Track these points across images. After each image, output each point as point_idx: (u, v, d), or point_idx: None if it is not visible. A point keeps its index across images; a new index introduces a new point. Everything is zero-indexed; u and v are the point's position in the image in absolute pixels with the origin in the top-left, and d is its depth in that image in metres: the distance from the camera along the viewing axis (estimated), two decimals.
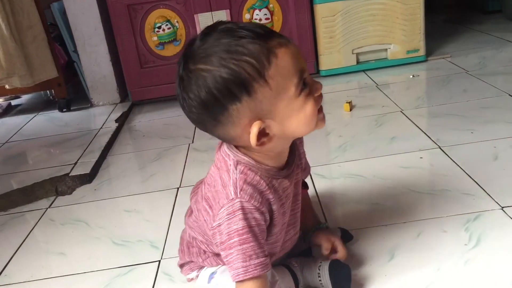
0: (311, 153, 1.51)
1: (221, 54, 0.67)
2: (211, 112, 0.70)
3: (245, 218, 0.72)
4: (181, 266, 0.96)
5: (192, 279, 0.93)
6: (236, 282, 0.75)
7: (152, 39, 2.17)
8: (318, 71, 2.28)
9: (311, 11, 2.18)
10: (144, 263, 1.08)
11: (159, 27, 2.16)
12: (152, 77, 2.22)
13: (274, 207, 0.77)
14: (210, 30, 0.70)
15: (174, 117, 2.08)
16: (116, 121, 2.10)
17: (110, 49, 2.28)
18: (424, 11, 2.20)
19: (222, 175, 0.76)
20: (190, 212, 0.91)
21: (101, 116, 2.23)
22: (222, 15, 2.14)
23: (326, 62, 2.24)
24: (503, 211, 1.05)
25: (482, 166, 1.26)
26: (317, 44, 2.23)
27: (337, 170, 1.38)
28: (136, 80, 2.23)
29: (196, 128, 1.88)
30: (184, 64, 0.71)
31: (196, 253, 0.90)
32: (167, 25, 2.15)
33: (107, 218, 1.31)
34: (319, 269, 0.89)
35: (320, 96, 0.74)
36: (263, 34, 0.69)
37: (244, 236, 0.72)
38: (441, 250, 0.96)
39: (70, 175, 1.59)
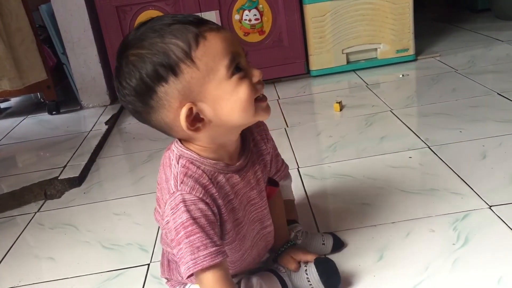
0: (301, 153, 1.53)
1: (151, 39, 0.68)
2: (142, 97, 0.70)
3: (188, 210, 0.71)
4: (166, 278, 0.94)
5: None
6: (195, 276, 0.73)
7: None
8: (308, 71, 2.29)
9: (301, 11, 2.19)
10: (133, 267, 1.07)
11: None
12: None
13: (219, 202, 0.75)
14: (144, 21, 0.72)
15: None
16: (106, 123, 2.09)
17: (100, 51, 2.27)
18: (415, 10, 2.21)
19: (165, 171, 0.76)
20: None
21: (91, 118, 2.22)
22: (212, 16, 2.14)
23: (316, 62, 2.25)
24: (491, 210, 1.06)
25: (470, 165, 1.27)
26: (307, 44, 2.23)
27: (327, 170, 1.38)
28: None
29: None
30: (118, 53, 0.72)
31: (175, 269, 0.88)
32: None
33: (96, 221, 1.30)
34: (306, 273, 0.88)
35: (260, 84, 0.73)
36: (194, 21, 0.70)
37: (190, 228, 0.71)
38: (430, 250, 0.96)
39: (59, 178, 1.58)
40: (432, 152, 1.37)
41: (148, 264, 1.07)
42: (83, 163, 1.68)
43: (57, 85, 2.37)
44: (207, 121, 0.71)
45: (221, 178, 0.77)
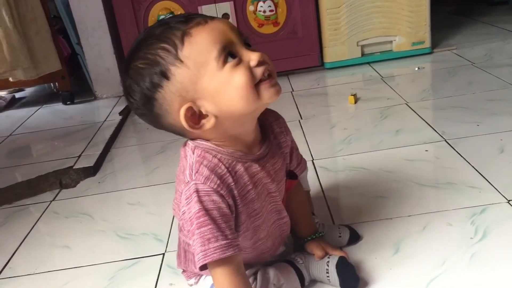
0: (316, 145, 1.52)
1: (143, 49, 0.69)
2: (147, 107, 0.71)
3: (201, 201, 0.70)
4: (182, 269, 0.94)
5: (191, 285, 0.91)
6: (209, 268, 0.73)
7: None
8: (322, 64, 2.27)
9: (316, 2, 2.17)
10: (148, 256, 1.08)
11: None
12: None
13: (235, 192, 0.74)
14: (143, 30, 0.73)
15: None
16: (120, 114, 2.09)
17: (114, 42, 2.28)
18: (433, 3, 2.18)
19: (182, 162, 0.76)
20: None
21: (105, 109, 2.23)
22: (226, 8, 2.13)
23: (331, 55, 2.23)
24: (510, 204, 1.05)
25: (488, 159, 1.25)
26: (322, 36, 2.22)
27: (342, 163, 1.37)
28: None
29: None
30: (123, 71, 0.73)
31: (191, 260, 0.86)
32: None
33: (111, 211, 1.31)
34: (327, 265, 0.88)
35: (262, 65, 0.70)
36: (183, 20, 0.69)
37: (201, 219, 0.70)
38: (447, 244, 0.95)
39: (74, 168, 1.59)
40: (448, 146, 1.36)
41: (163, 254, 1.08)
42: (98, 153, 1.69)
43: (72, 76, 2.38)
44: (212, 116, 0.71)
45: (239, 167, 0.75)
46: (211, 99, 0.69)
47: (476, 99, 1.67)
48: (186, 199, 0.71)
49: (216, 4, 2.12)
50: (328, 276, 0.87)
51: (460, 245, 0.94)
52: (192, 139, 0.76)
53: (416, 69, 2.09)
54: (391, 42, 2.22)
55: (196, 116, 0.70)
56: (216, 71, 0.68)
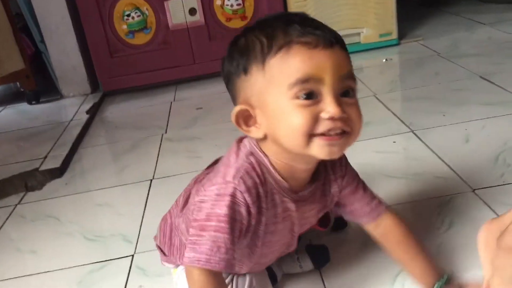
0: None
1: (259, 28, 0.67)
2: (231, 65, 0.69)
3: (231, 207, 0.66)
4: (159, 248, 0.89)
5: (165, 266, 0.88)
6: (188, 266, 0.68)
7: (122, 28, 2.12)
8: None
9: None
10: (117, 258, 1.06)
11: (128, 15, 2.11)
12: (123, 66, 2.18)
13: (263, 218, 0.70)
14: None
15: (147, 106, 2.05)
16: (87, 112, 2.05)
17: (79, 39, 2.22)
18: None
19: (230, 156, 0.71)
20: (184, 200, 0.83)
21: (71, 107, 2.18)
22: (193, 2, 2.10)
23: None
24: (475, 193, 1.06)
25: (454, 149, 1.27)
26: None
27: None
28: (107, 69, 2.18)
29: (170, 117, 1.89)
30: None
31: (176, 246, 0.83)
32: (136, 12, 2.11)
33: (79, 213, 1.28)
34: (298, 261, 0.88)
35: (334, 122, 0.63)
36: (299, 27, 0.64)
37: (222, 225, 0.65)
38: (415, 234, 0.96)
39: (40, 169, 1.55)
40: (416, 137, 1.37)
41: (132, 255, 1.06)
42: (64, 153, 1.65)
43: (37, 74, 2.32)
44: (262, 130, 0.67)
45: (277, 197, 0.71)
46: (265, 115, 0.66)
47: (442, 89, 1.69)
48: (217, 195, 0.67)
49: None
50: (300, 266, 0.87)
51: (427, 236, 0.95)
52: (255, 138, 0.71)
53: (384, 60, 2.11)
54: (358, 34, 2.23)
55: (250, 119, 0.67)
56: (282, 96, 0.63)
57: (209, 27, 2.15)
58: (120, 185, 1.41)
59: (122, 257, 1.06)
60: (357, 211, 0.81)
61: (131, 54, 2.16)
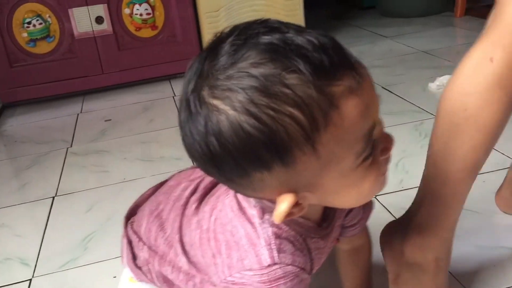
0: None
1: (252, 94, 0.43)
2: (221, 169, 0.47)
3: (292, 285, 0.54)
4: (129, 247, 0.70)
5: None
6: None
7: (22, 36, 2.00)
8: None
9: (194, 6, 2.15)
10: (12, 284, 0.98)
11: (29, 23, 1.99)
12: (24, 76, 2.05)
13: (309, 269, 0.60)
14: (247, 35, 0.46)
15: (51, 119, 1.94)
16: None
17: None
18: (308, 7, 2.27)
19: (245, 226, 0.54)
20: (178, 226, 0.63)
21: None
22: (99, 10, 2.03)
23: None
24: (375, 198, 1.11)
25: None
26: (202, 40, 2.20)
27: None
28: (6, 80, 2.04)
29: (76, 130, 1.81)
30: (196, 85, 0.46)
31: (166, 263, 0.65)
32: (37, 20, 1.99)
33: None
34: None
35: (387, 158, 0.52)
36: (327, 68, 0.43)
37: None
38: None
39: None
40: None
41: (30, 280, 0.99)
42: None
43: None
44: (305, 206, 0.51)
45: (308, 241, 0.57)
46: (321, 195, 0.50)
47: None
48: (261, 283, 0.53)
49: (89, 7, 2.01)
50: None
51: None
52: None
53: None
54: None
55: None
56: (348, 171, 0.48)
57: (117, 36, 2.09)
58: (19, 204, 1.31)
59: (18, 282, 0.98)
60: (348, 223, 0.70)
61: (33, 63, 2.04)
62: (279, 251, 0.53)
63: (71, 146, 1.64)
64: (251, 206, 0.54)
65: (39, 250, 1.08)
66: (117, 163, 1.48)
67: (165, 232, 0.65)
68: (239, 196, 0.55)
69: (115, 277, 0.97)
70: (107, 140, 1.66)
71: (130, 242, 0.70)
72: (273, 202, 0.50)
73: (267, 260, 0.52)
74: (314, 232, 0.58)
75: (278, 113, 0.42)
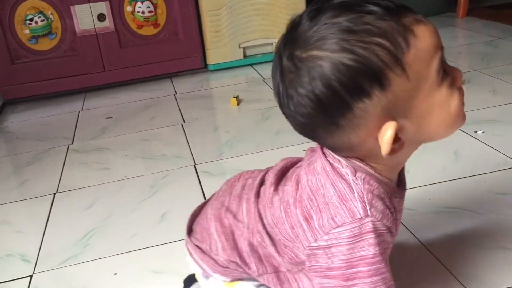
0: (198, 149, 1.50)
1: (342, 35, 0.51)
2: (328, 113, 0.53)
3: (378, 243, 0.56)
4: (192, 244, 0.73)
5: (209, 277, 0.72)
6: None
7: (24, 32, 2.00)
8: (205, 66, 2.26)
9: (196, 4, 2.15)
10: (13, 280, 0.98)
11: (31, 19, 1.99)
12: (26, 73, 2.05)
13: (394, 231, 0.60)
14: (320, 7, 0.54)
15: (52, 116, 1.94)
16: None
17: None
18: (307, 5, 2.27)
19: (335, 183, 0.58)
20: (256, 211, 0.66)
21: None
22: (101, 7, 2.03)
23: (214, 57, 2.22)
24: None
25: None
26: (204, 38, 2.20)
27: (224, 166, 1.37)
28: (7, 77, 2.04)
29: (77, 127, 1.81)
30: (290, 51, 0.54)
31: (247, 253, 0.66)
32: (40, 17, 1.99)
33: None
34: None
35: (462, 88, 0.57)
36: (393, 8, 0.52)
37: (375, 266, 0.56)
38: None
39: None
40: None
41: (31, 276, 0.99)
42: None
43: None
44: (404, 141, 0.55)
45: (394, 200, 0.60)
46: (416, 121, 0.55)
47: None
48: (350, 237, 0.56)
49: (91, 4, 2.01)
50: None
51: None
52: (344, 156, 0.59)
53: None
54: (271, 44, 2.27)
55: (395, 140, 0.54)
56: (434, 89, 0.54)
57: (119, 33, 2.09)
58: (20, 200, 1.31)
59: (19, 278, 0.98)
60: None
61: (34, 60, 2.04)
62: (371, 205, 0.56)
63: (72, 143, 1.64)
64: (343, 166, 0.58)
65: (40, 246, 1.08)
66: (118, 161, 1.48)
67: (242, 222, 0.67)
68: (330, 158, 0.59)
69: (115, 273, 0.97)
70: (108, 137, 1.66)
71: (201, 251, 0.71)
72: (363, 160, 0.57)
73: (360, 212, 0.56)
74: (397, 192, 0.61)
75: (367, 44, 0.50)
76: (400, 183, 0.64)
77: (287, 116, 0.57)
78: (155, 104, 1.93)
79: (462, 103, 0.56)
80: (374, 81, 0.51)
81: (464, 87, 0.58)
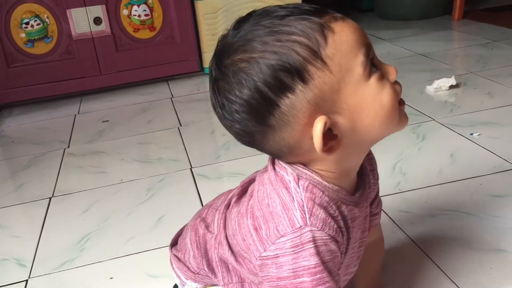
0: (195, 153, 1.50)
1: (263, 38, 0.53)
2: (258, 115, 0.54)
3: (318, 252, 0.55)
4: (174, 249, 0.76)
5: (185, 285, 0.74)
6: None
7: (20, 36, 2.00)
8: (202, 69, 2.26)
9: (192, 8, 2.15)
10: (8, 285, 0.98)
11: (27, 23, 1.99)
12: (22, 77, 2.04)
13: (344, 239, 0.60)
14: (244, 17, 0.56)
15: (48, 120, 1.94)
16: None
17: None
18: None
19: (280, 193, 0.58)
20: (223, 224, 0.68)
21: None
22: (98, 11, 2.03)
23: (210, 60, 2.22)
24: None
25: None
26: (200, 42, 2.21)
27: (221, 169, 1.36)
28: (3, 80, 2.03)
29: (73, 131, 1.81)
30: (217, 61, 0.56)
31: (216, 263, 0.68)
32: (36, 20, 1.99)
33: None
34: None
35: (398, 84, 0.58)
36: (311, 10, 0.55)
37: (318, 276, 0.56)
38: None
39: None
40: None
41: (26, 280, 0.98)
42: None
43: None
44: (341, 138, 0.55)
45: (344, 208, 0.60)
46: (348, 115, 0.55)
47: None
48: (293, 247, 0.56)
49: (87, 8, 2.01)
50: None
51: None
52: (289, 162, 0.59)
53: None
54: None
55: (325, 136, 0.54)
56: (362, 82, 0.54)
57: (115, 37, 2.09)
58: (15, 204, 1.31)
59: (14, 283, 0.98)
60: (374, 210, 0.73)
61: (30, 64, 2.04)
62: (311, 214, 0.56)
63: (68, 147, 1.64)
64: (288, 173, 0.58)
65: (36, 250, 1.08)
66: (114, 164, 1.47)
67: (212, 232, 0.69)
68: (277, 166, 0.60)
69: (111, 278, 0.96)
70: (104, 141, 1.66)
71: (178, 260, 0.74)
72: (306, 166, 0.57)
73: (299, 221, 0.56)
74: (349, 199, 0.60)
75: (286, 42, 0.52)
76: (358, 190, 0.63)
77: (226, 127, 0.59)
78: (151, 107, 1.93)
79: (396, 97, 0.56)
80: (295, 76, 0.52)
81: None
